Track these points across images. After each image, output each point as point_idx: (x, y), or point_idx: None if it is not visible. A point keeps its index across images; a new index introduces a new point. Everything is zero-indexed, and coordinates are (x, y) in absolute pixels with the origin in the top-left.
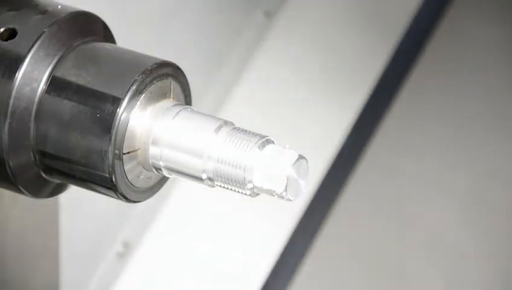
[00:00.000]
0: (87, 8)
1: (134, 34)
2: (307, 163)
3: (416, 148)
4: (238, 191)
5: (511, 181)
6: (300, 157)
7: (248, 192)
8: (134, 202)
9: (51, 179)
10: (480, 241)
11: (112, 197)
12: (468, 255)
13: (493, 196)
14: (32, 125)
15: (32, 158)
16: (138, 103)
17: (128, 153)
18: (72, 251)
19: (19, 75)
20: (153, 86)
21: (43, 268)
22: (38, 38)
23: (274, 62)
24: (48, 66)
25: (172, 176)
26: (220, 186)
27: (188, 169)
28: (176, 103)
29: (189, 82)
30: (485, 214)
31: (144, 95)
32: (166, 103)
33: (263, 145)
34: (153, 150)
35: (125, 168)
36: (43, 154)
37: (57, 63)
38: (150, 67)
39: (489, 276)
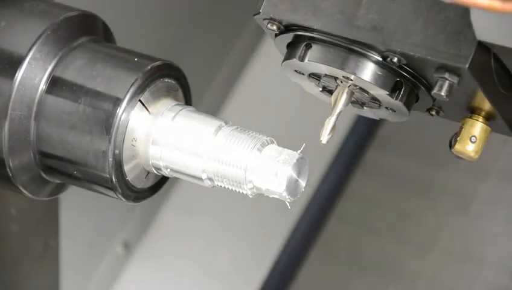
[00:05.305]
0: (87, 8)
1: (135, 34)
2: (307, 163)
3: (416, 148)
4: (238, 191)
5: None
6: (300, 157)
7: (248, 192)
8: (134, 202)
9: (51, 179)
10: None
11: (112, 197)
12: (463, 257)
13: (489, 193)
14: (32, 125)
15: (32, 158)
16: (138, 103)
17: (128, 152)
18: (72, 251)
19: (19, 75)
20: (153, 86)
21: (43, 268)
22: (38, 38)
23: (274, 62)
24: (48, 66)
25: (172, 176)
26: (220, 186)
27: (188, 169)
28: (176, 102)
29: (189, 82)
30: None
31: (144, 95)
32: (166, 102)
33: (263, 145)
34: (153, 150)
35: (125, 168)
36: (43, 154)
37: (57, 63)
38: (150, 68)
39: (489, 275)
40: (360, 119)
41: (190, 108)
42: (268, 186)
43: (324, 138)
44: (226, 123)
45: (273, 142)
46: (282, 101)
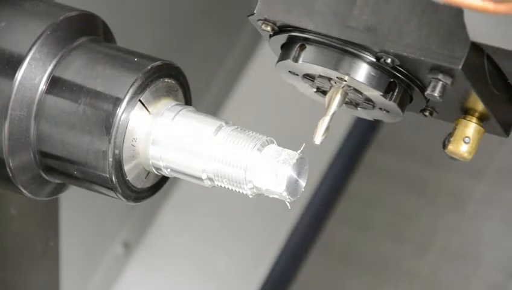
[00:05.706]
0: (87, 8)
1: (135, 34)
2: (307, 163)
3: (414, 149)
4: (238, 191)
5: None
6: (300, 157)
7: (248, 192)
8: (135, 202)
9: (51, 179)
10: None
11: (112, 197)
12: (459, 256)
13: (486, 193)
14: (32, 125)
15: (32, 158)
16: (138, 103)
17: (128, 152)
18: (72, 251)
19: (19, 75)
20: (153, 86)
21: (43, 268)
22: (38, 38)
23: (274, 62)
24: (48, 66)
25: (172, 176)
26: (220, 186)
27: (188, 169)
28: (176, 102)
29: (189, 82)
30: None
31: (144, 95)
32: (166, 102)
33: (263, 145)
34: (153, 150)
35: (125, 168)
36: (43, 154)
37: (57, 63)
38: (150, 68)
39: (485, 273)
40: (359, 120)
41: (190, 108)
42: (268, 186)
43: (318, 138)
44: (226, 123)
45: (273, 142)
46: (282, 101)
